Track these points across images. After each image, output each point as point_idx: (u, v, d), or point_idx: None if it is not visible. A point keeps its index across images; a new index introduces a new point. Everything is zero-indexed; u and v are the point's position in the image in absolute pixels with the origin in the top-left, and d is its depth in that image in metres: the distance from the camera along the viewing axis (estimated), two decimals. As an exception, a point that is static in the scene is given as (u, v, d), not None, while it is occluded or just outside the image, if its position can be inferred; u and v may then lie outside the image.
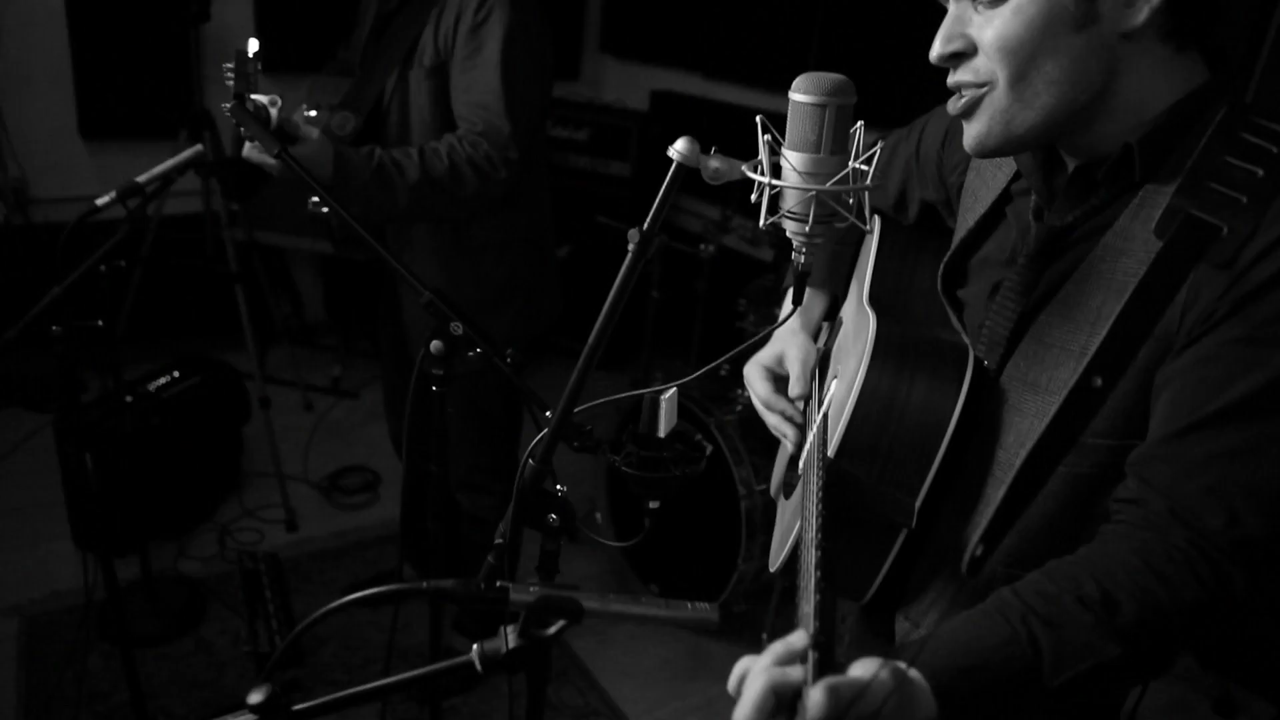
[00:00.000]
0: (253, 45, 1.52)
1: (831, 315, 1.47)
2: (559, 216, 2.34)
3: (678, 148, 0.92)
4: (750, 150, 0.96)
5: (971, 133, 0.96)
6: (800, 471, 1.24)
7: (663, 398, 1.24)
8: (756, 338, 1.19)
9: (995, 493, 0.96)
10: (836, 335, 1.40)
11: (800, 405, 1.33)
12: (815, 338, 1.42)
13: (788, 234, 0.97)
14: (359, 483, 3.43)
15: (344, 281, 4.54)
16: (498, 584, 0.80)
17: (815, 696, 0.62)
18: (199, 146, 1.72)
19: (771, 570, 1.25)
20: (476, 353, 1.34)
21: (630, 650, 2.76)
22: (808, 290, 1.42)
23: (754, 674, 0.68)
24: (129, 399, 2.91)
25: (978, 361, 1.04)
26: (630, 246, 0.98)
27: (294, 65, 3.26)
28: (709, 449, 1.37)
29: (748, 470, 2.50)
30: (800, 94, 0.90)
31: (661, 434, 1.24)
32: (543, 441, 1.07)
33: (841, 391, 1.12)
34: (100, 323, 1.78)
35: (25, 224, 3.79)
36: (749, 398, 2.74)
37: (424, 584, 0.81)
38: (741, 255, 3.92)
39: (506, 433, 2.32)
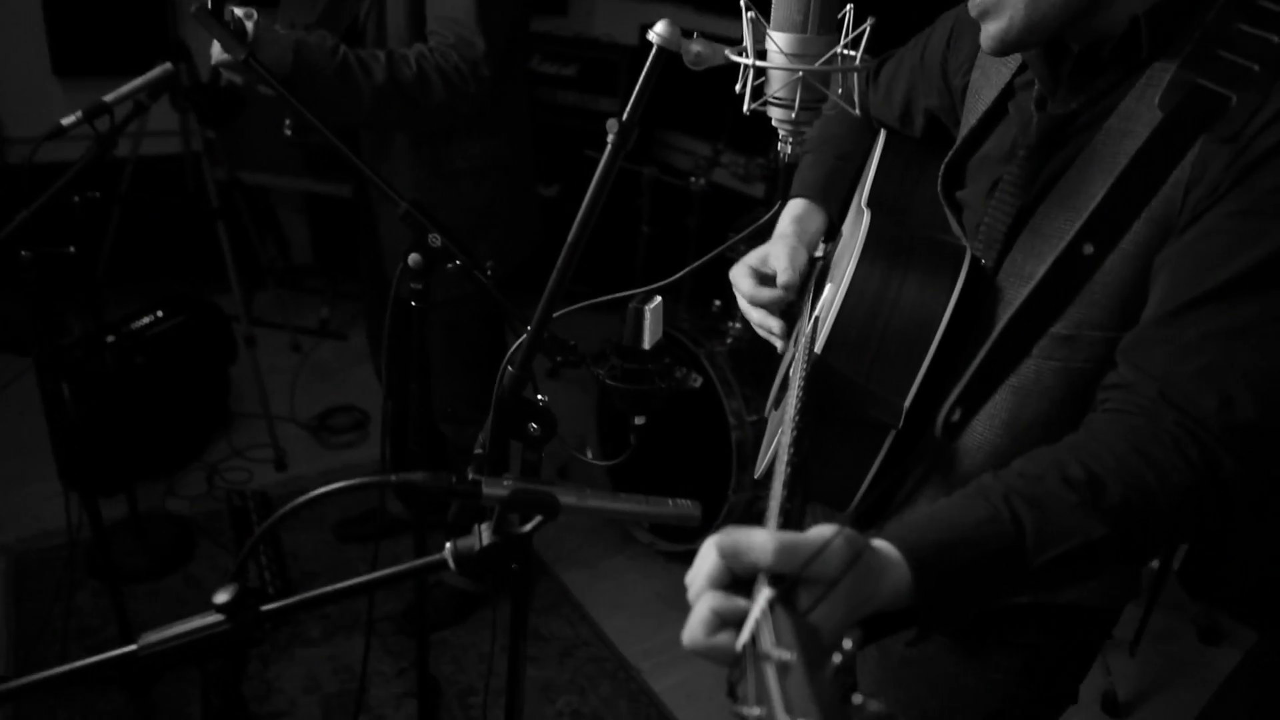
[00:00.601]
0: None
1: (831, 236, 1.42)
2: (547, 154, 2.29)
3: (657, 30, 0.88)
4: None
5: (992, 30, 0.91)
6: (788, 380, 1.21)
7: (647, 308, 1.21)
8: (740, 235, 1.15)
9: (1028, 368, 0.93)
10: (833, 252, 1.36)
11: (786, 297, 1.28)
12: (809, 249, 1.38)
13: (773, 122, 0.93)
14: (347, 422, 3.40)
15: (330, 223, 4.47)
16: (470, 478, 0.77)
17: (765, 546, 0.60)
18: (167, 64, 1.66)
19: (755, 476, 1.22)
20: (455, 265, 1.30)
21: (622, 583, 2.77)
22: (804, 204, 1.37)
23: (705, 551, 0.66)
24: (111, 338, 2.87)
25: (974, 260, 1.01)
26: (609, 138, 0.94)
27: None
28: (699, 380, 1.34)
29: (739, 402, 2.48)
30: (787, -29, 0.85)
31: (646, 346, 1.21)
32: (521, 348, 1.04)
33: (834, 291, 1.09)
34: (72, 249, 1.73)
35: (2, 165, 3.71)
36: (739, 328, 2.73)
37: (391, 477, 0.78)
38: (732, 191, 3.86)
39: (489, 362, 2.29)
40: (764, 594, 0.59)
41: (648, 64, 0.91)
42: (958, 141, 1.13)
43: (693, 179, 3.25)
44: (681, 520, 0.78)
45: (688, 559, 2.62)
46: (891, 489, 1.05)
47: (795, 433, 0.81)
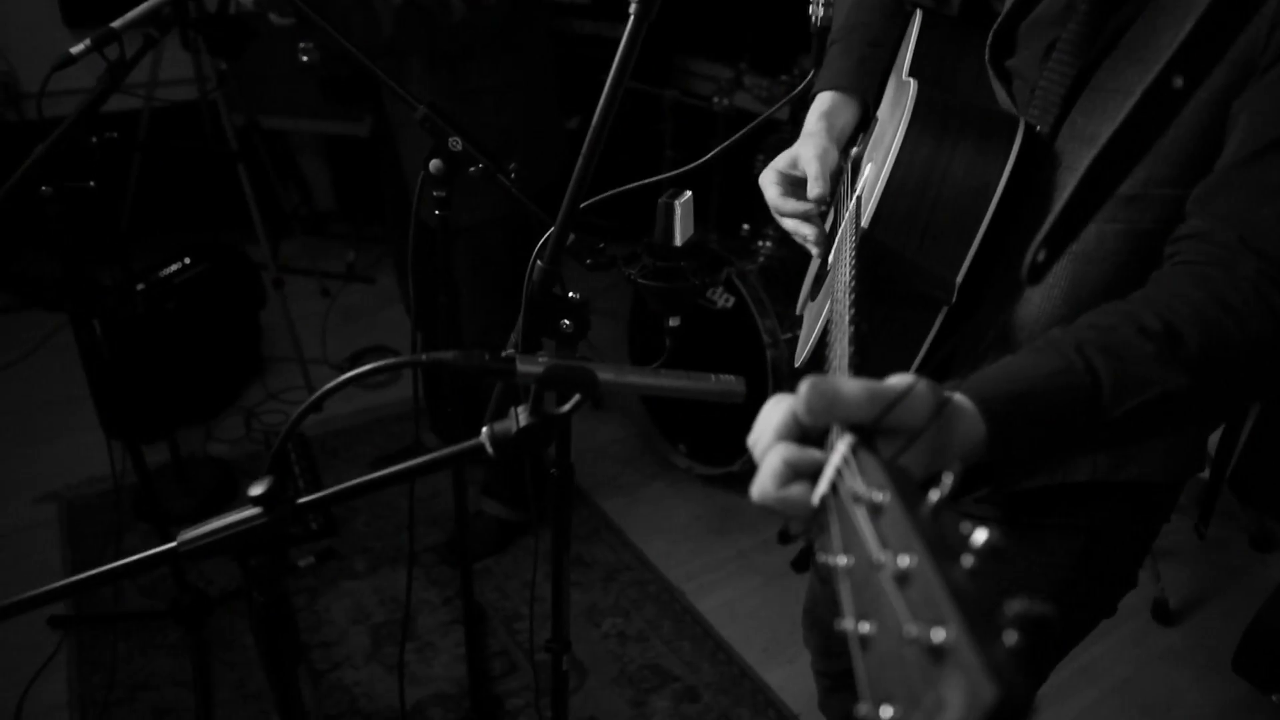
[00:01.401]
0: None
1: (864, 127, 1.36)
2: (565, 85, 2.21)
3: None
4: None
5: None
6: (829, 266, 1.16)
7: (677, 202, 1.16)
8: (761, 118, 1.08)
9: (1090, 232, 0.88)
10: (869, 139, 1.30)
11: (818, 209, 1.23)
12: (840, 146, 1.31)
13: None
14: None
15: (351, 167, 4.43)
16: (503, 353, 0.74)
17: (854, 393, 0.56)
18: (174, -19, 1.61)
19: (796, 366, 1.18)
20: (478, 169, 1.25)
21: (661, 508, 2.76)
22: (833, 97, 1.30)
23: (774, 405, 0.62)
24: (140, 286, 2.87)
25: (1029, 127, 0.95)
26: (632, 7, 0.88)
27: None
28: (721, 281, 1.29)
29: (772, 320, 2.43)
30: None
31: (678, 242, 1.17)
32: (549, 241, 1.00)
33: (877, 166, 1.03)
34: (92, 184, 1.71)
35: (19, 120, 3.70)
36: (769, 247, 2.67)
37: (422, 356, 0.75)
38: (756, 115, 3.76)
39: (518, 289, 2.25)
40: (845, 439, 0.56)
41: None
42: (1006, 6, 1.06)
43: (715, 99, 3.16)
44: (725, 396, 0.75)
45: (727, 483, 2.61)
46: (944, 367, 1.01)
47: (855, 306, 0.76)
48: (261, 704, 2.08)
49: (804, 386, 0.57)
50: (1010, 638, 0.36)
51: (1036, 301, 0.95)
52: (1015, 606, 0.37)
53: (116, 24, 1.65)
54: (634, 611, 2.39)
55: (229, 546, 0.72)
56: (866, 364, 0.71)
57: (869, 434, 0.57)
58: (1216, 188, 0.79)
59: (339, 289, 3.98)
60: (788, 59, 3.40)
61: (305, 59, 1.83)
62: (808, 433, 0.61)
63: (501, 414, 0.79)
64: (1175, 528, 2.74)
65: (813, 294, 1.30)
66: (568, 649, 1.35)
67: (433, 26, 1.75)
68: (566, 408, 0.76)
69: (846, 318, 0.73)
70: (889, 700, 0.39)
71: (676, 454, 2.82)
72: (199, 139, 3.46)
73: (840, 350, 0.75)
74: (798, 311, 1.44)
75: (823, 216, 1.25)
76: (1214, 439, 2.73)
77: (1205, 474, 2.78)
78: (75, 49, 1.61)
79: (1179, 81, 0.74)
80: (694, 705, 2.13)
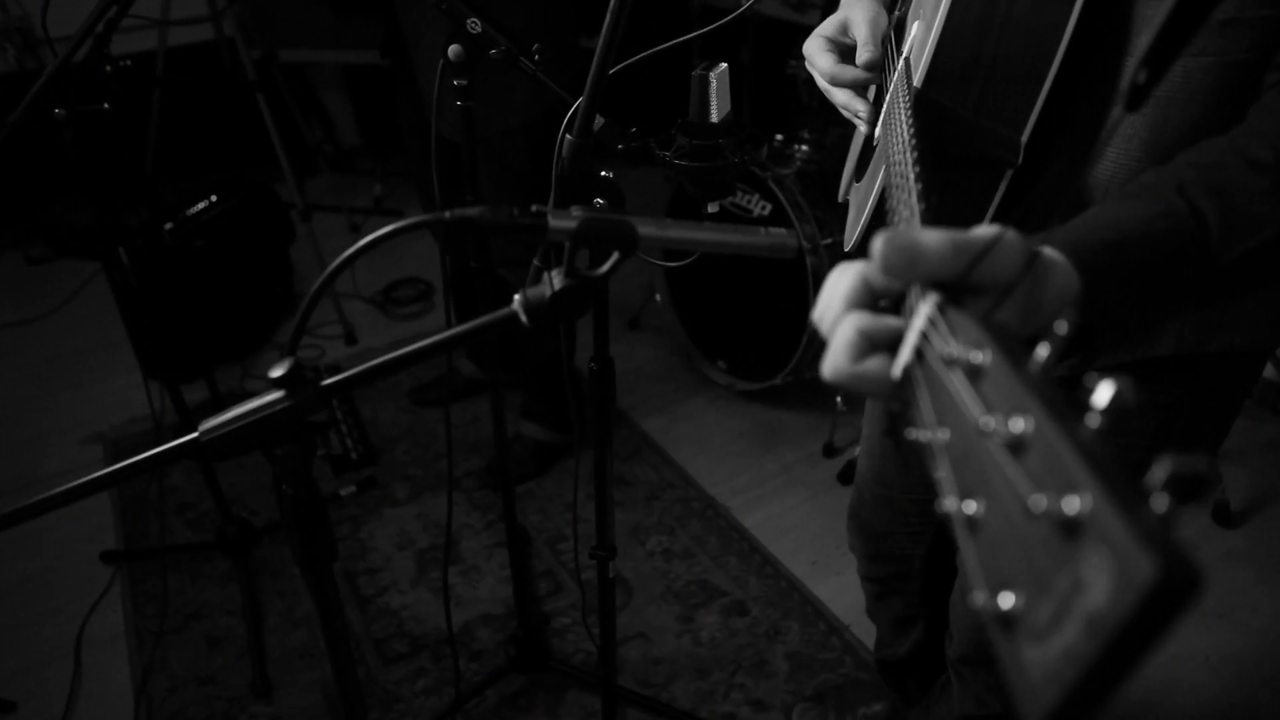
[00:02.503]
0: None
1: None
2: (585, 7, 2.10)
3: None
4: None
5: None
6: (876, 141, 1.08)
7: (712, 75, 1.08)
8: None
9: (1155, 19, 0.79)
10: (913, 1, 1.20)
11: (870, 78, 1.13)
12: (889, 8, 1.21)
13: None
14: (412, 294, 3.37)
15: (374, 99, 4.35)
16: (534, 208, 0.68)
17: (937, 245, 0.49)
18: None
19: (846, 249, 1.11)
20: (500, 50, 1.18)
21: (702, 425, 2.72)
22: None
23: (841, 271, 0.55)
24: (168, 225, 2.85)
25: None
26: None
27: None
28: (761, 158, 1.21)
29: (812, 226, 2.35)
30: None
31: (715, 119, 1.09)
32: (578, 112, 0.93)
33: (927, 21, 0.94)
34: (106, 105, 1.66)
35: (38, 67, 3.66)
36: (805, 151, 2.56)
37: (446, 214, 0.69)
38: (785, 22, 3.60)
39: (542, 197, 2.18)
40: (930, 298, 0.48)
41: None
42: None
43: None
44: (775, 250, 0.68)
45: (768, 398, 2.54)
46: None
47: (918, 167, 0.68)
48: (311, 629, 2.10)
49: (879, 241, 0.49)
50: (1161, 502, 0.29)
51: (1112, 157, 0.87)
52: (1165, 465, 0.30)
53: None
54: (679, 528, 2.36)
55: (252, 434, 0.68)
56: (940, 220, 0.64)
57: (956, 291, 0.49)
58: None
59: (367, 223, 3.94)
60: (817, -42, 3.24)
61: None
62: (880, 300, 0.54)
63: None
64: (1237, 429, 2.64)
65: (858, 175, 1.22)
66: (613, 555, 1.32)
67: None
68: (605, 269, 0.70)
69: (911, 176, 0.66)
70: (1008, 585, 0.33)
71: (716, 370, 2.77)
72: (217, 73, 3.39)
73: (909, 208, 0.68)
74: (841, 197, 1.36)
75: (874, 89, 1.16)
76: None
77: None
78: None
79: None
80: (742, 619, 2.10)
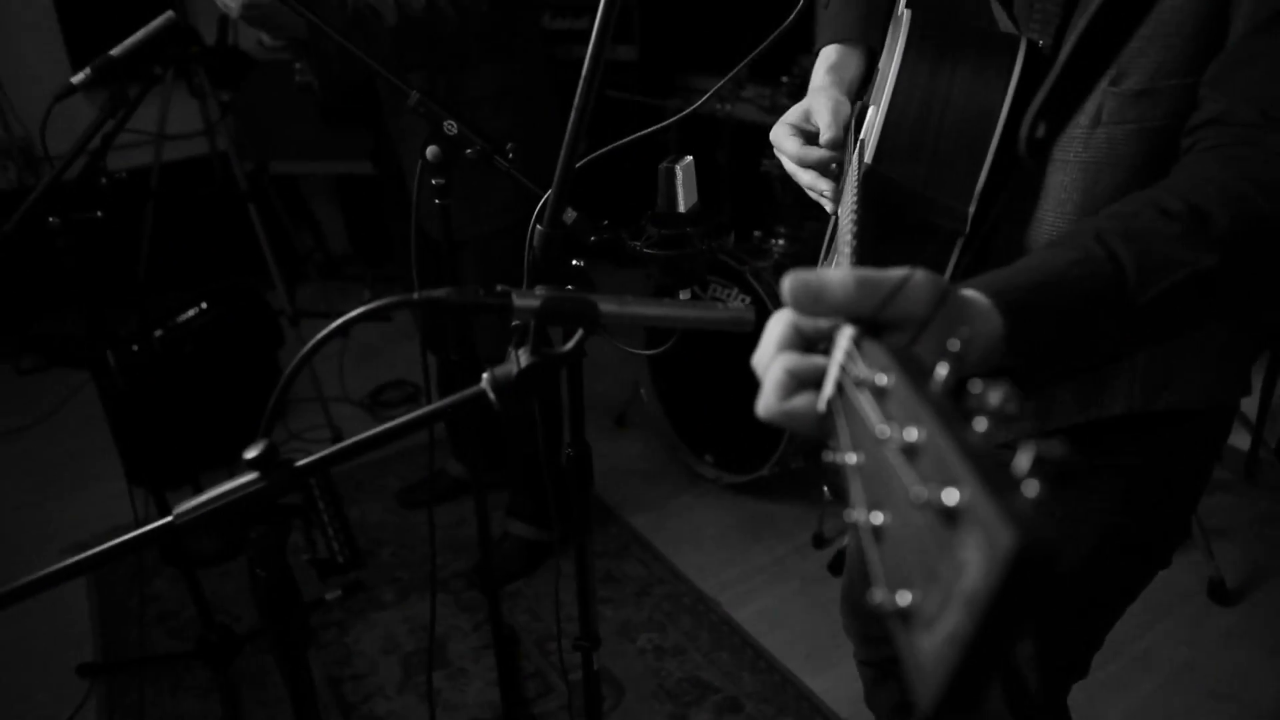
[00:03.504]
0: None
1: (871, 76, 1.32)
2: (566, 103, 2.20)
3: None
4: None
5: None
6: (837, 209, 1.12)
7: (678, 166, 1.13)
8: (770, 38, 1.04)
9: (1098, 139, 0.84)
10: (873, 86, 1.26)
11: (833, 156, 1.19)
12: (850, 96, 1.28)
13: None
14: (400, 395, 3.39)
15: (364, 208, 4.47)
16: (498, 288, 0.71)
17: (843, 281, 0.52)
18: (170, 13, 1.62)
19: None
20: (476, 150, 1.23)
21: (689, 521, 2.70)
22: (838, 49, 1.27)
23: (773, 321, 0.59)
24: (158, 332, 2.89)
25: (1031, 44, 0.91)
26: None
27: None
28: (730, 245, 1.25)
29: (790, 317, 2.39)
30: None
31: (681, 209, 1.13)
32: (547, 202, 0.97)
33: (879, 106, 1.00)
34: (99, 213, 1.71)
35: (38, 184, 3.76)
36: (782, 245, 2.63)
37: (414, 295, 0.72)
38: (758, 125, 3.75)
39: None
40: (846, 332, 0.52)
41: None
42: None
43: (718, 105, 3.16)
44: (735, 324, 0.71)
45: (756, 489, 2.54)
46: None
47: (856, 213, 0.72)
48: (293, 739, 2.03)
49: (787, 279, 0.54)
50: (1031, 488, 0.32)
51: (1050, 220, 0.91)
52: (1029, 452, 0.33)
53: (115, 51, 1.66)
54: (669, 625, 2.32)
55: (226, 515, 0.69)
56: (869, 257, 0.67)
57: (872, 327, 0.53)
58: (1233, 64, 0.75)
59: (356, 328, 3.99)
60: (786, 62, 3.40)
61: (300, 78, 1.83)
62: (812, 343, 0.58)
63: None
64: (1224, 505, 2.64)
65: (826, 259, 1.26)
66: (597, 645, 1.30)
67: (429, 39, 1.74)
68: (570, 345, 0.73)
69: (850, 233, 0.69)
70: (905, 585, 0.36)
71: (703, 464, 2.77)
72: (210, 185, 3.50)
73: (844, 244, 0.71)
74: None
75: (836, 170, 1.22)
76: (1251, 407, 2.65)
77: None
78: (76, 78, 1.63)
79: None
80: (736, 715, 2.05)
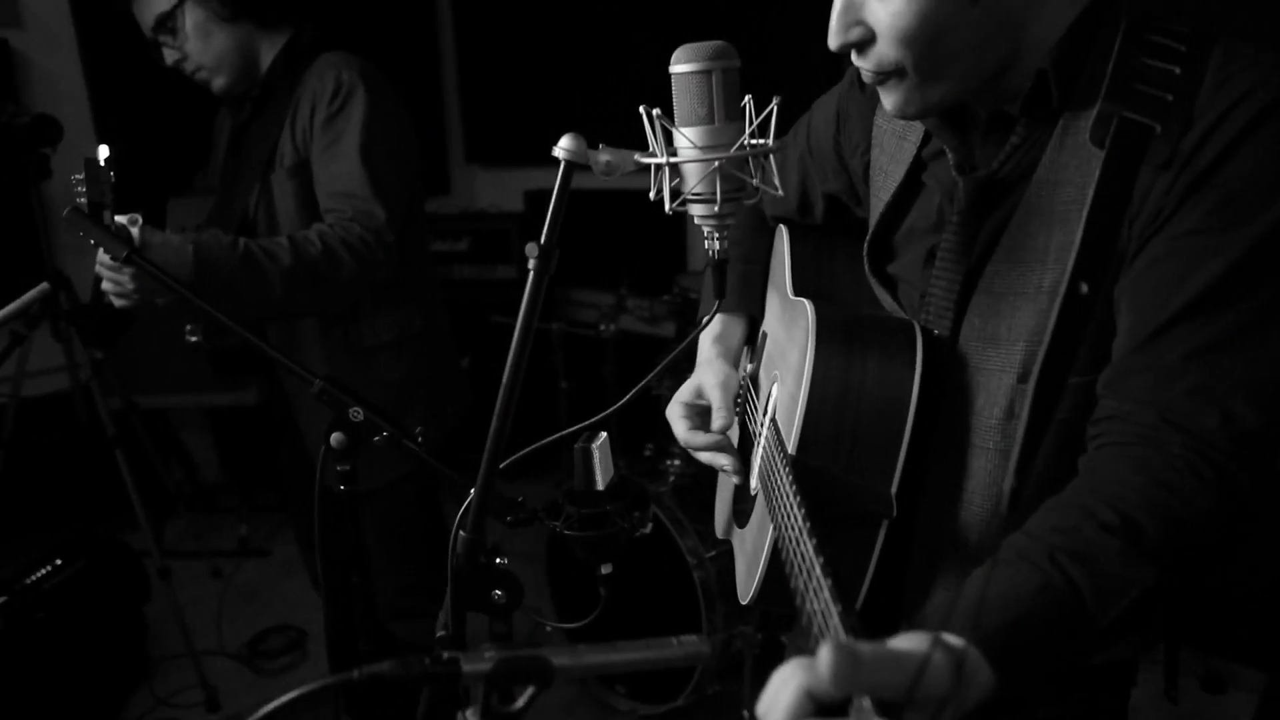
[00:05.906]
0: (103, 152, 1.38)
1: (752, 340, 1.40)
2: (453, 329, 2.23)
3: (563, 145, 0.85)
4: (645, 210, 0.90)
5: (889, 101, 0.92)
6: (754, 490, 1.14)
7: (594, 446, 1.14)
8: (676, 351, 1.09)
9: (1014, 431, 0.89)
10: (762, 354, 1.33)
11: (728, 432, 1.24)
12: (736, 365, 1.34)
13: (696, 220, 0.90)
14: (282, 643, 3.13)
15: (238, 434, 4.28)
16: (445, 655, 0.66)
17: (879, 664, 0.53)
18: (45, 285, 1.57)
19: (744, 603, 1.13)
20: (383, 437, 1.20)
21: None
22: (721, 319, 1.35)
23: (784, 681, 0.57)
24: (3, 599, 2.60)
25: (927, 331, 0.98)
26: (530, 264, 0.89)
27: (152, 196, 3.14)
28: (650, 518, 1.26)
29: (693, 539, 2.38)
30: (682, 65, 0.84)
31: (600, 486, 1.13)
32: (471, 509, 0.94)
33: (788, 388, 1.04)
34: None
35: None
36: (678, 465, 2.65)
37: (355, 673, 0.66)
38: (642, 335, 3.87)
39: (430, 546, 2.14)
40: (865, 705, 0.53)
41: (558, 181, 0.88)
42: (874, 220, 1.12)
43: (601, 326, 3.25)
44: (690, 660, 0.69)
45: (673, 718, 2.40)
46: (897, 580, 0.98)
47: (815, 540, 0.73)
48: None
49: (828, 653, 0.53)
50: None
51: (978, 503, 0.95)
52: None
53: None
54: None
55: None
56: (851, 616, 0.67)
57: (897, 709, 0.53)
58: (1124, 372, 0.82)
59: (232, 567, 3.73)
60: (667, 279, 3.56)
61: (193, 339, 1.77)
62: (823, 705, 0.57)
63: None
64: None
65: (737, 519, 1.27)
66: None
67: (325, 286, 1.72)
68: (521, 703, 0.68)
69: (817, 566, 0.70)
70: None
71: (615, 696, 2.64)
72: (72, 428, 3.29)
73: (807, 575, 0.71)
74: (720, 535, 1.40)
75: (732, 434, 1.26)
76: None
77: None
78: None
79: (1084, 287, 0.79)
80: None
